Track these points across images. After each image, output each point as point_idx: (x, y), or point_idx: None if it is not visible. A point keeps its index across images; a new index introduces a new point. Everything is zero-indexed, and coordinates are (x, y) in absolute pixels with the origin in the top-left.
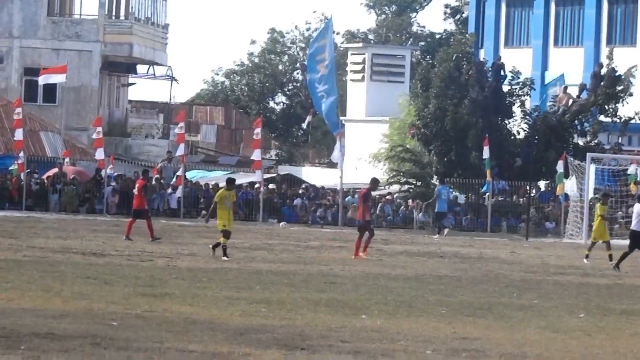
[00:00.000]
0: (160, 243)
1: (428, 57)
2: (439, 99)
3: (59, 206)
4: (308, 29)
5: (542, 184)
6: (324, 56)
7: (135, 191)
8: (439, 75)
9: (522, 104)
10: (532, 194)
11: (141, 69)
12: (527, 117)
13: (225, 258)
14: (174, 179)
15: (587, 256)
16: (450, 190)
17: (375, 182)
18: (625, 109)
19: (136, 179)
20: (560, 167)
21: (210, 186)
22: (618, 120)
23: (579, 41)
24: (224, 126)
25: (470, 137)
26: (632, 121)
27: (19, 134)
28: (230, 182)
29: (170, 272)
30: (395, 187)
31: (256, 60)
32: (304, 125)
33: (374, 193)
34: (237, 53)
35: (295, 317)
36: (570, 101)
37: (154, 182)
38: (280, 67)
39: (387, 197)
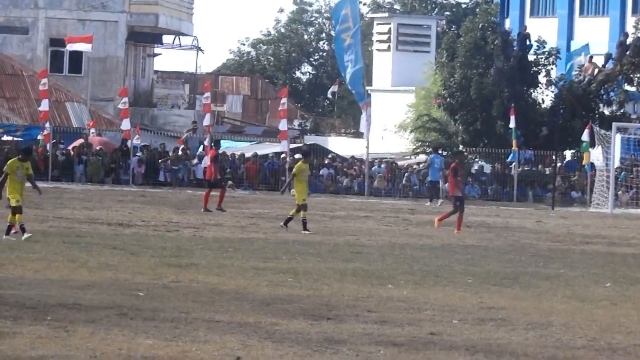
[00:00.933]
0: (222, 214)
1: (453, 27)
2: (464, 68)
3: (85, 177)
4: None
5: (568, 154)
6: (348, 25)
7: (208, 161)
8: (464, 45)
9: (548, 73)
10: (558, 164)
11: (167, 39)
12: (553, 86)
13: (305, 232)
14: (200, 149)
15: None
16: (443, 158)
17: (461, 155)
18: None
19: (163, 150)
20: (585, 136)
21: (237, 156)
22: None
23: (604, 10)
24: (249, 96)
25: (496, 107)
26: None
27: (44, 105)
28: (306, 154)
29: (196, 242)
30: (422, 157)
31: (282, 30)
32: (329, 95)
33: (400, 162)
34: (263, 23)
35: (321, 287)
36: (596, 71)
37: (180, 153)
38: (306, 36)
39: (414, 166)
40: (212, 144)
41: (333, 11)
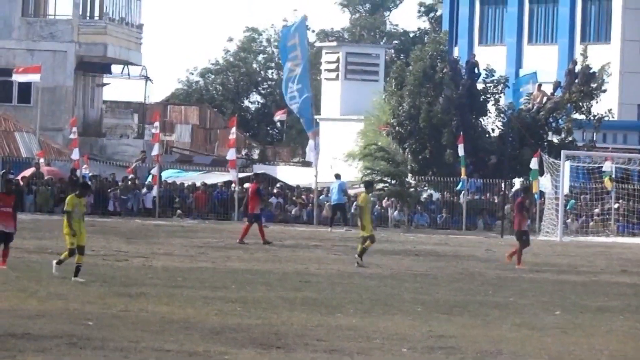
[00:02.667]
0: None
1: (402, 55)
2: (413, 97)
3: (34, 206)
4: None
5: (517, 182)
6: (296, 54)
7: (250, 195)
8: (413, 73)
9: (497, 101)
10: (507, 192)
11: (116, 69)
12: (502, 114)
13: (358, 260)
14: (149, 179)
15: None
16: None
17: (529, 191)
18: (599, 106)
19: (112, 180)
20: (534, 164)
21: (186, 186)
22: (592, 118)
23: (553, 38)
24: (198, 126)
25: (445, 135)
26: (606, 118)
27: None
28: (369, 185)
29: (145, 271)
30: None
31: (231, 59)
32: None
33: (349, 191)
34: (212, 52)
35: (271, 316)
36: (545, 99)
37: (129, 183)
38: (255, 65)
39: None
40: (253, 178)
41: (280, 40)
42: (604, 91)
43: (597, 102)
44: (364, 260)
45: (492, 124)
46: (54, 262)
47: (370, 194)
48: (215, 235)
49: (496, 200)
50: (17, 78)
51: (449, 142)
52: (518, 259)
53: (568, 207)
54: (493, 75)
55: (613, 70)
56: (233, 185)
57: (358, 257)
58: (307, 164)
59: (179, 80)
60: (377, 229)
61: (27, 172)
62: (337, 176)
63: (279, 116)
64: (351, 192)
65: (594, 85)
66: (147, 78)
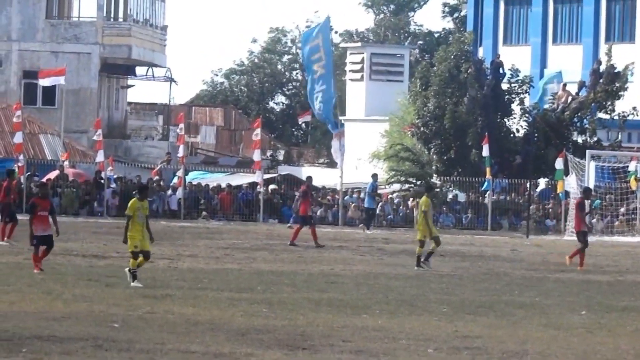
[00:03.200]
0: (321, 250)
1: (427, 55)
2: (438, 97)
3: (59, 209)
4: (308, 27)
5: (542, 182)
6: (320, 55)
7: (300, 197)
8: (438, 74)
9: (521, 101)
10: (532, 192)
11: (140, 70)
12: (526, 114)
13: (421, 268)
14: (175, 180)
15: None
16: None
17: (588, 191)
18: (623, 105)
19: (138, 182)
20: (559, 164)
21: (211, 187)
22: (617, 117)
23: (577, 38)
24: (223, 127)
25: (470, 136)
26: (631, 117)
27: (18, 137)
28: (430, 189)
29: (171, 273)
30: (396, 186)
31: (255, 60)
32: (301, 124)
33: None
34: (236, 54)
35: (296, 317)
36: (570, 98)
37: (154, 185)
38: (279, 66)
39: (389, 196)
40: (305, 180)
41: (303, 41)
42: (625, 89)
43: (620, 100)
44: (431, 263)
45: (517, 124)
46: (130, 279)
47: (431, 198)
48: (240, 236)
49: (521, 201)
50: (43, 82)
51: (474, 143)
52: (581, 261)
53: (594, 207)
54: (518, 75)
55: (638, 70)
56: (258, 186)
57: (425, 262)
58: (332, 165)
59: (203, 82)
60: (402, 229)
61: (52, 175)
62: (374, 176)
63: (303, 118)
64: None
65: (618, 85)
66: (171, 79)
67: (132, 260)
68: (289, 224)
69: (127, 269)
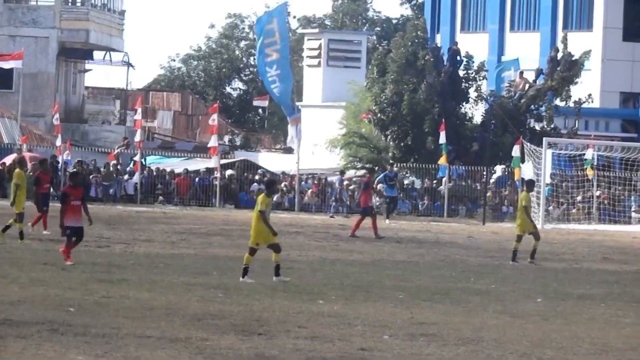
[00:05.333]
0: (379, 241)
1: (384, 42)
2: (395, 84)
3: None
4: None
5: (498, 169)
6: (274, 39)
7: (362, 189)
8: (395, 60)
9: (478, 88)
10: (488, 179)
11: (98, 55)
12: (484, 101)
13: (532, 261)
14: (131, 165)
15: None
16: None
17: (531, 184)
18: (579, 92)
19: (94, 167)
20: (516, 151)
21: (167, 172)
22: (573, 105)
23: (535, 26)
24: (180, 112)
25: (427, 122)
26: (587, 105)
27: None
28: (531, 184)
29: (127, 258)
30: (352, 173)
31: (213, 45)
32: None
33: (330, 178)
34: (194, 39)
35: (252, 302)
36: (527, 86)
37: (111, 169)
38: (237, 52)
39: (345, 182)
40: (367, 171)
41: (256, 25)
42: (579, 77)
43: (575, 84)
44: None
45: (473, 111)
46: (275, 275)
47: (531, 193)
48: (196, 221)
49: (478, 187)
50: (0, 65)
51: (431, 129)
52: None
53: (545, 194)
54: (473, 63)
55: (595, 58)
56: (215, 171)
57: (532, 260)
58: (289, 151)
59: (160, 67)
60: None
61: (9, 159)
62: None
63: (259, 102)
64: (331, 178)
65: (574, 72)
66: (129, 64)
67: (248, 255)
68: (330, 214)
69: (274, 275)
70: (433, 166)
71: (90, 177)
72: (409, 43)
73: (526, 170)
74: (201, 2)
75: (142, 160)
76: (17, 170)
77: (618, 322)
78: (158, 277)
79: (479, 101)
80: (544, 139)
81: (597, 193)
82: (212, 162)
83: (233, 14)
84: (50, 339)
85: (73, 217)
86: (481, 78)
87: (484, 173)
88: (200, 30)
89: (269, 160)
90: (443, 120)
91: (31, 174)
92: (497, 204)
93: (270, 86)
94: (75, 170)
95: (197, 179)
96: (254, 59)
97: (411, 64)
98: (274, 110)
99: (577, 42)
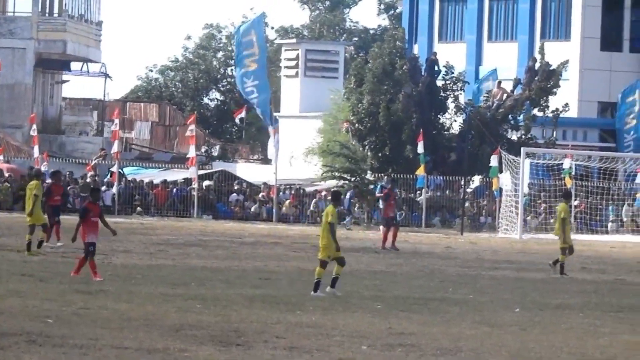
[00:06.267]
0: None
1: (362, 52)
2: (372, 94)
3: None
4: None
5: (476, 179)
6: (253, 50)
7: (384, 200)
8: (372, 70)
9: (456, 99)
10: (466, 189)
11: (75, 65)
12: (461, 111)
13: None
14: (109, 176)
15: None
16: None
17: (567, 196)
18: (557, 102)
19: (71, 178)
20: (494, 161)
21: (145, 183)
22: (551, 114)
23: (513, 36)
24: (158, 123)
25: (405, 132)
26: (565, 114)
27: None
28: (567, 196)
29: (105, 269)
30: (331, 182)
31: (190, 56)
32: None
33: (308, 189)
34: (171, 49)
35: (230, 313)
36: (505, 96)
37: (88, 180)
38: (214, 63)
39: (323, 192)
40: (390, 184)
41: (235, 35)
42: (558, 86)
43: (554, 95)
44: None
45: (451, 121)
46: (330, 286)
47: (568, 204)
48: (174, 232)
49: (456, 198)
50: None
51: (408, 139)
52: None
53: (524, 204)
54: (452, 73)
55: (573, 68)
56: (193, 182)
57: (560, 273)
58: (267, 161)
59: (138, 77)
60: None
61: None
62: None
63: (239, 114)
64: (309, 189)
65: (552, 82)
66: (106, 75)
67: (320, 269)
68: (347, 227)
69: (329, 287)
70: (411, 176)
71: (68, 188)
72: (387, 53)
73: (504, 180)
74: (178, 13)
75: (121, 170)
76: (35, 181)
77: (596, 331)
78: (136, 288)
79: (457, 111)
80: (522, 148)
81: (576, 203)
82: (190, 173)
83: (210, 25)
84: (29, 350)
85: (93, 233)
86: (459, 88)
87: (462, 183)
88: (177, 41)
89: (247, 171)
90: (421, 130)
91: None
92: (475, 214)
93: (249, 96)
94: (96, 187)
95: (174, 190)
96: (232, 69)
97: (388, 74)
98: (251, 120)
99: (555, 52)
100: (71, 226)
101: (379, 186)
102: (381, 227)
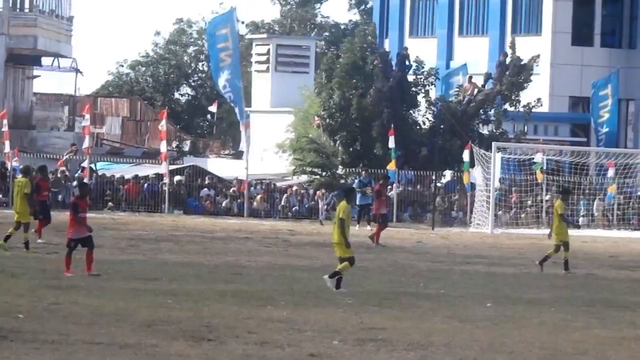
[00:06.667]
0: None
1: (333, 47)
2: (343, 89)
3: None
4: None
5: (447, 174)
6: (227, 44)
7: (375, 197)
8: (342, 65)
9: (427, 93)
10: (437, 184)
11: (46, 61)
12: (432, 106)
13: (568, 272)
14: (80, 172)
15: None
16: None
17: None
18: (528, 97)
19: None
20: (465, 156)
21: (116, 178)
22: (522, 109)
23: (484, 30)
24: (129, 118)
25: (376, 127)
26: (537, 109)
27: None
28: (566, 192)
29: (76, 264)
30: (303, 178)
31: (161, 51)
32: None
33: (279, 184)
34: (142, 44)
35: (201, 308)
36: (476, 91)
37: (59, 175)
38: (185, 58)
39: (294, 187)
40: (382, 180)
41: (208, 28)
42: (530, 81)
43: (525, 90)
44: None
45: (422, 116)
46: (330, 277)
47: (565, 201)
48: (145, 227)
49: (427, 193)
50: None
51: (379, 134)
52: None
53: (494, 199)
54: (423, 68)
55: (544, 62)
56: (164, 177)
57: (566, 270)
58: (238, 156)
59: (109, 73)
60: (307, 221)
61: None
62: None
63: (213, 106)
64: (280, 184)
65: (523, 77)
66: (77, 70)
67: (348, 264)
68: (320, 220)
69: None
70: (382, 171)
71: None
72: (358, 48)
73: (476, 175)
74: (149, 8)
75: (93, 166)
76: (24, 179)
77: (568, 326)
78: (107, 283)
79: (427, 106)
80: (493, 143)
81: (547, 197)
82: (161, 168)
83: (181, 20)
84: None
85: (79, 229)
86: (430, 83)
87: (433, 178)
88: (148, 36)
89: (218, 166)
90: (392, 125)
91: None
92: (446, 208)
93: (224, 90)
94: (85, 182)
95: (146, 185)
96: (202, 64)
97: (359, 69)
98: (222, 115)
99: (526, 47)
100: (59, 223)
101: (356, 181)
102: (376, 224)
